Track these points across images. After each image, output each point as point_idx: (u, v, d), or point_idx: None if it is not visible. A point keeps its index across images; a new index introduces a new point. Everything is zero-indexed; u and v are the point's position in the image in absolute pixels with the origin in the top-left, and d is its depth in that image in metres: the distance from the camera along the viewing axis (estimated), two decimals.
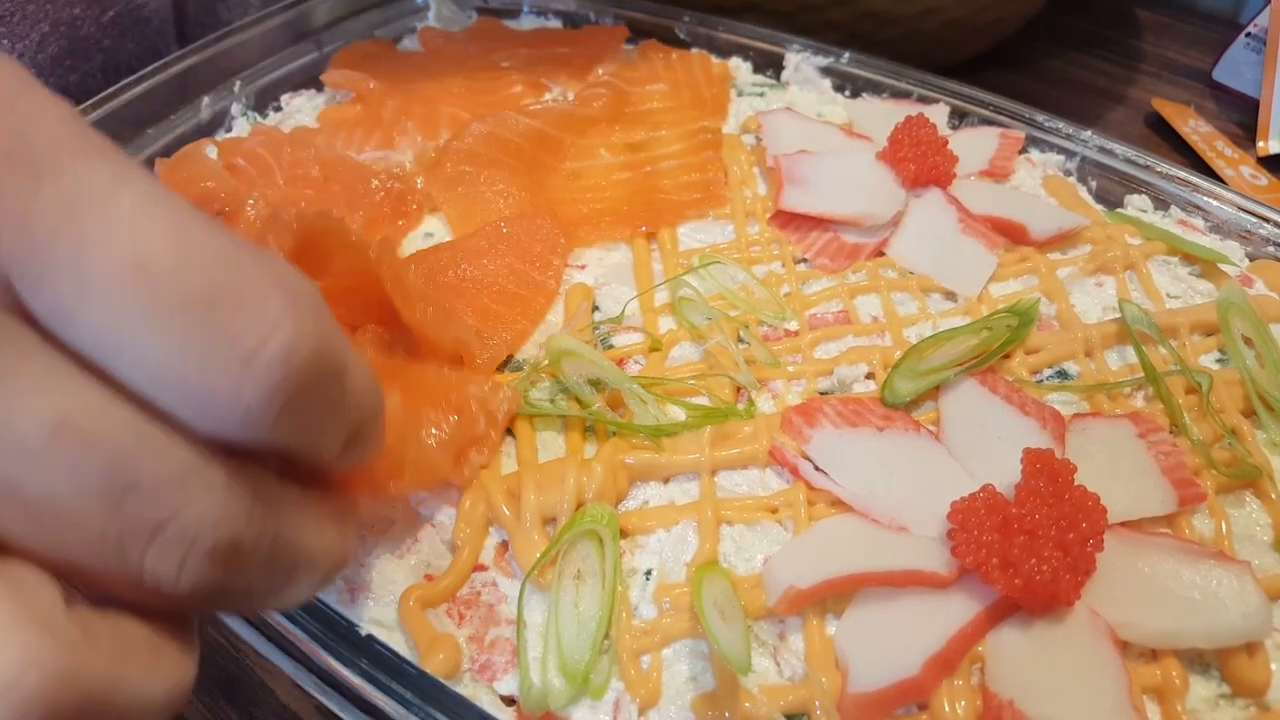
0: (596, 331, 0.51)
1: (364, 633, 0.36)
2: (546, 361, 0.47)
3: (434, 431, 0.41)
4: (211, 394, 0.21)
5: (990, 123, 0.66)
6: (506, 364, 0.50)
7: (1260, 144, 0.82)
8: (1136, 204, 0.61)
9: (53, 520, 0.20)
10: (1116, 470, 0.42)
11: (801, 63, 0.72)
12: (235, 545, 0.22)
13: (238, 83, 0.69)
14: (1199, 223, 0.59)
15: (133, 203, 0.20)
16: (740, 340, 0.50)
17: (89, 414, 0.20)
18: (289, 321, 0.21)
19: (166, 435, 0.21)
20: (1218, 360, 0.50)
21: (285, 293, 0.21)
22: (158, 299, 0.20)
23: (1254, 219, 0.58)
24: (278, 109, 0.70)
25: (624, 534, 0.42)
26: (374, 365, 0.43)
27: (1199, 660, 0.38)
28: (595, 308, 0.53)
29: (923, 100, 0.68)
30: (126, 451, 0.20)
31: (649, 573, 0.41)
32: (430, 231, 0.59)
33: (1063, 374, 0.49)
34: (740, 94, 0.71)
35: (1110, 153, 0.63)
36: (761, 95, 0.71)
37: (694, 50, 0.74)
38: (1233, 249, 0.58)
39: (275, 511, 0.24)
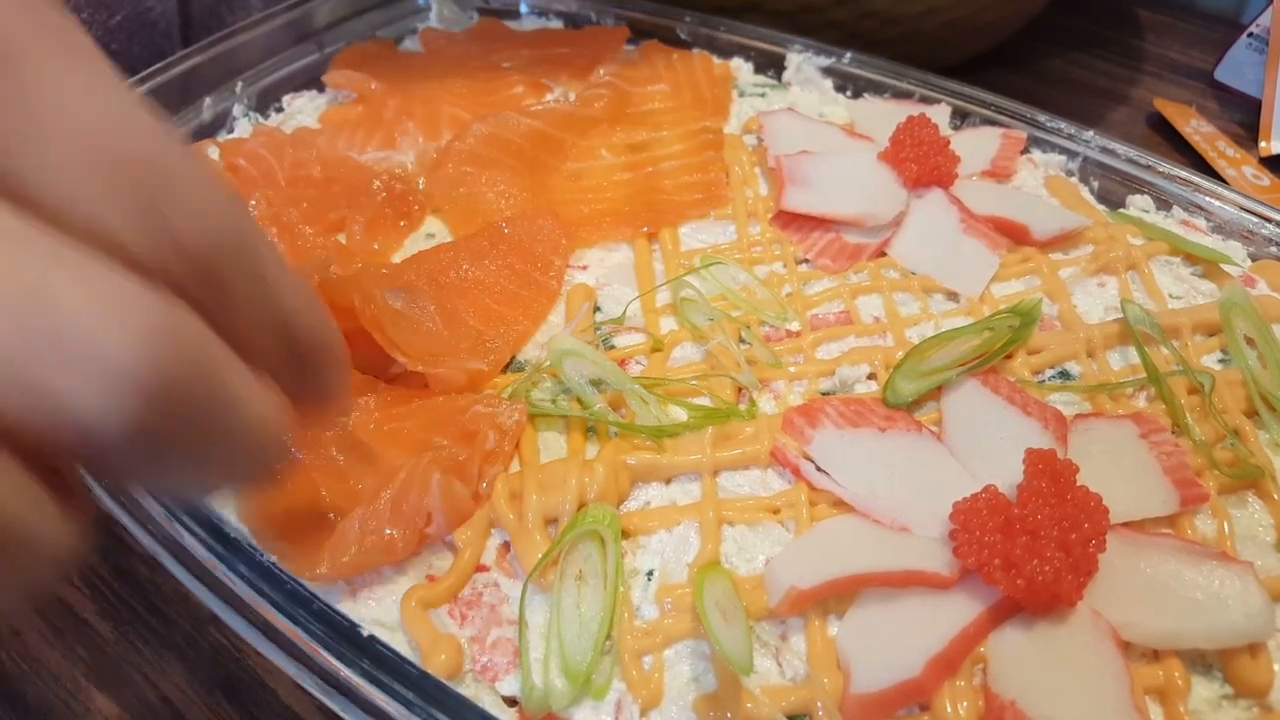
0: (598, 332, 0.51)
1: (366, 633, 0.36)
2: (548, 362, 0.47)
3: (453, 451, 0.42)
4: (147, 247, 0.23)
5: (992, 123, 0.66)
6: (509, 365, 0.50)
7: (1262, 144, 0.82)
8: (1138, 204, 0.61)
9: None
10: (1119, 471, 0.42)
11: (803, 63, 0.72)
12: (168, 379, 0.21)
13: (239, 84, 0.69)
14: (1201, 223, 0.59)
15: (101, 98, 0.23)
16: (742, 341, 0.50)
17: (12, 225, 0.21)
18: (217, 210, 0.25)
19: (95, 261, 0.21)
20: (1220, 360, 0.50)
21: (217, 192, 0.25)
22: (109, 169, 0.23)
23: (1256, 219, 0.58)
24: (279, 110, 0.70)
25: (626, 535, 0.42)
26: (371, 399, 0.44)
27: (1201, 661, 0.38)
28: (597, 308, 0.53)
29: (924, 100, 0.68)
30: (46, 263, 0.20)
31: (651, 573, 0.41)
32: (432, 232, 0.59)
33: (1065, 374, 0.49)
34: (742, 94, 0.71)
35: (1112, 153, 0.63)
36: (763, 95, 0.71)
37: (695, 51, 0.74)
38: (1235, 249, 0.58)
39: (212, 346, 0.24)
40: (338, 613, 0.37)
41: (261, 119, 0.69)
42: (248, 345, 0.26)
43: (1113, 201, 0.62)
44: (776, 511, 0.42)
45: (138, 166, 0.23)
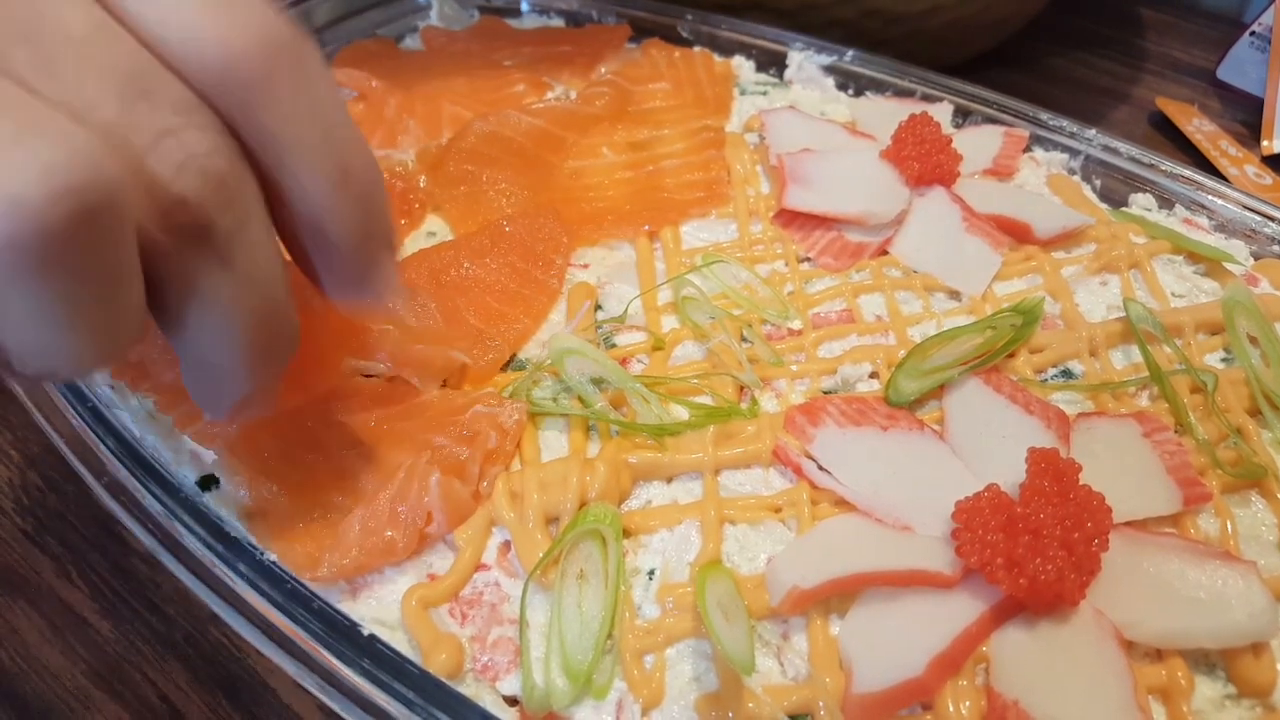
0: (599, 330, 0.51)
1: (366, 632, 0.36)
2: (549, 360, 0.47)
3: (453, 450, 0.42)
4: (217, 42, 0.28)
5: (994, 121, 0.66)
6: (510, 363, 0.50)
7: (1265, 143, 0.82)
8: (1141, 203, 0.61)
9: (78, 100, 0.25)
10: (1121, 470, 0.42)
11: (804, 61, 0.72)
12: (222, 179, 0.28)
13: None
14: (1203, 221, 0.59)
15: None
16: (743, 339, 0.50)
17: (122, 34, 0.27)
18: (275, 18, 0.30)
19: (177, 78, 0.28)
20: (1223, 359, 0.50)
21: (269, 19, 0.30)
22: None
23: (1259, 218, 0.58)
24: None
25: (627, 533, 0.42)
26: (371, 398, 0.45)
27: (1205, 660, 0.38)
28: (598, 306, 0.53)
29: (926, 99, 0.68)
30: (146, 67, 0.27)
31: (652, 572, 0.41)
32: (433, 230, 0.59)
33: (1067, 373, 0.49)
34: (743, 92, 0.71)
35: (1114, 151, 0.62)
36: (764, 94, 0.71)
37: (697, 49, 0.74)
38: (1237, 248, 0.57)
39: (251, 189, 0.30)
40: (338, 612, 0.37)
41: None
42: (295, 173, 0.31)
43: (1115, 200, 0.62)
44: (778, 510, 0.42)
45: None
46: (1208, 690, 0.37)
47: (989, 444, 0.43)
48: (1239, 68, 0.89)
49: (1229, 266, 0.55)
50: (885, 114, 0.64)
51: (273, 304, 0.32)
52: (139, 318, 0.28)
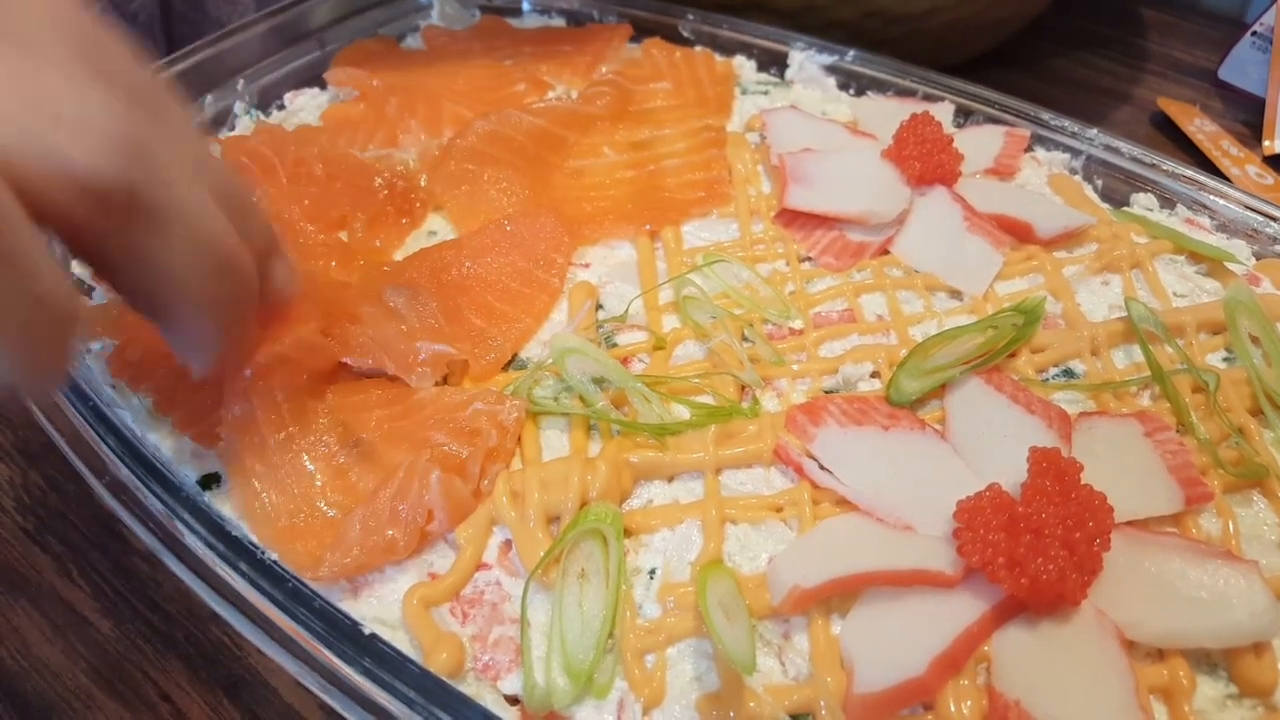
0: (600, 330, 0.51)
1: (367, 631, 0.36)
2: (551, 360, 0.47)
3: (453, 448, 0.42)
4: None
5: (995, 121, 0.66)
6: (511, 363, 0.50)
7: (1266, 143, 0.82)
8: (1142, 202, 0.61)
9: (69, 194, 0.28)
10: (1123, 469, 0.41)
11: (805, 61, 0.72)
12: (138, 145, 0.30)
13: (241, 81, 0.68)
14: (1205, 221, 0.59)
15: None
16: (745, 339, 0.50)
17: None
18: None
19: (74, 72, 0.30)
20: (1224, 359, 0.50)
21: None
22: None
23: (1260, 218, 0.58)
24: (281, 107, 0.70)
25: (628, 533, 0.42)
26: (371, 397, 0.45)
27: (1206, 660, 0.38)
28: (599, 306, 0.53)
29: (928, 98, 0.68)
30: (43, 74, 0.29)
31: (653, 572, 0.41)
32: (434, 230, 0.59)
33: (1069, 373, 0.49)
34: (744, 92, 0.71)
35: (1116, 151, 0.62)
36: (766, 93, 0.71)
37: (698, 48, 0.74)
38: (1239, 248, 0.57)
39: (169, 148, 0.32)
40: (339, 611, 0.37)
41: (263, 116, 0.69)
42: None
43: (1116, 200, 0.62)
44: (779, 510, 0.42)
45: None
46: (1209, 690, 0.37)
47: (990, 443, 0.43)
48: (1240, 68, 0.89)
49: (1230, 266, 0.55)
50: (886, 113, 0.64)
51: (218, 257, 0.34)
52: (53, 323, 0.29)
